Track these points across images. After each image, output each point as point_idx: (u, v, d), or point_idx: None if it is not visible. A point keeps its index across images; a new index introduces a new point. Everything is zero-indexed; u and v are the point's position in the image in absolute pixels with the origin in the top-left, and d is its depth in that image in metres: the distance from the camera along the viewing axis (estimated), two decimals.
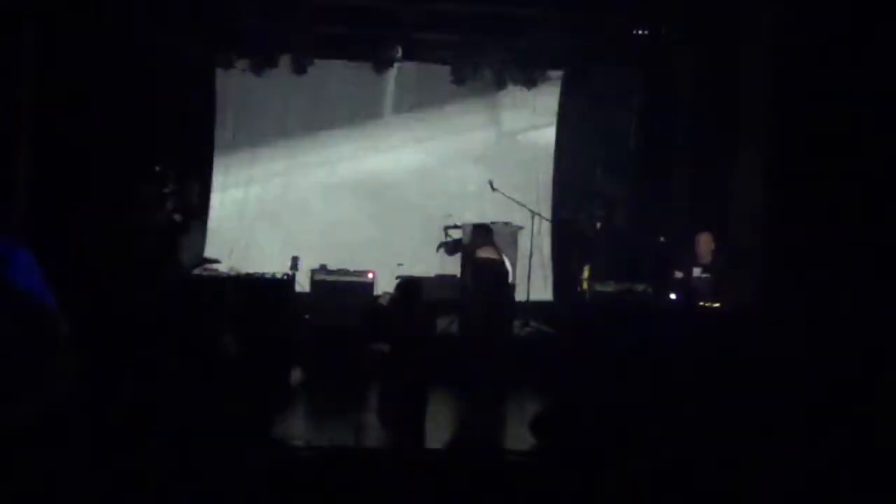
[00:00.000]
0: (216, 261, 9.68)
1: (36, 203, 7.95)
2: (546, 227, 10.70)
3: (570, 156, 11.09)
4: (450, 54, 10.55)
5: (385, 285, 9.20)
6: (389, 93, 10.75)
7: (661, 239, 9.36)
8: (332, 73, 10.64)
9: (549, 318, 9.85)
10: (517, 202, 10.05)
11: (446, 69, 10.66)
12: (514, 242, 9.77)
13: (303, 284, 9.50)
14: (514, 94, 10.94)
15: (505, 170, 10.63)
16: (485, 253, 8.69)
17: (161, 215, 9.17)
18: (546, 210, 10.84)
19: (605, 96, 10.49)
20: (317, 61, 10.44)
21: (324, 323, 9.16)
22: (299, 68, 10.40)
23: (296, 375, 8.52)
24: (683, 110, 9.83)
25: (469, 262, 9.17)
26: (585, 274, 9.46)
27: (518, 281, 9.67)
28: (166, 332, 6.97)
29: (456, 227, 9.90)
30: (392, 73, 10.61)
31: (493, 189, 9.89)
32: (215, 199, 10.68)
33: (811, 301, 6.93)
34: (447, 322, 9.22)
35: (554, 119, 11.19)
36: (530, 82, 10.84)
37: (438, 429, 6.62)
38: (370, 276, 9.51)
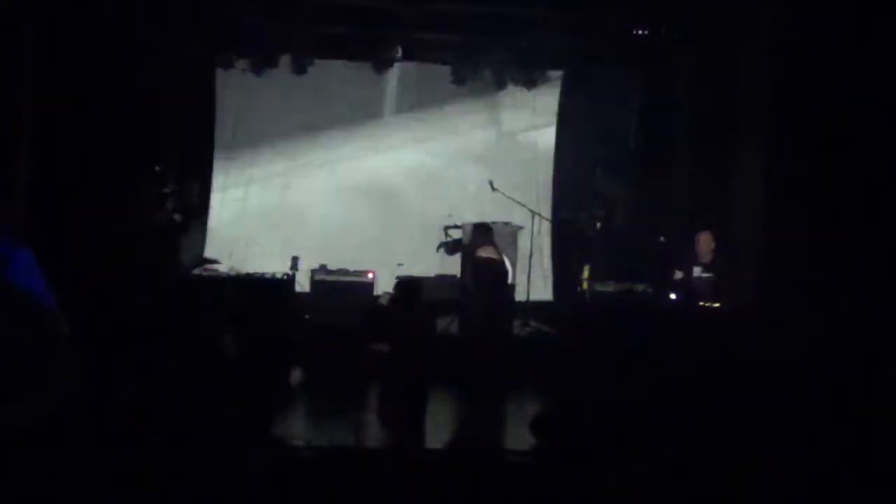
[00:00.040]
0: (215, 261, 9.69)
1: (36, 203, 7.95)
2: (546, 227, 10.69)
3: (570, 156, 11.09)
4: (450, 54, 10.55)
5: (385, 285, 9.20)
6: (389, 93, 10.74)
7: (661, 239, 9.36)
8: (332, 73, 10.64)
9: (549, 318, 9.85)
10: (517, 202, 10.05)
11: (446, 69, 10.66)
12: (514, 242, 9.77)
13: (303, 284, 9.50)
14: (514, 94, 10.94)
15: (505, 170, 10.63)
16: (485, 253, 8.69)
17: (161, 215, 9.18)
18: (546, 210, 10.84)
19: (605, 96, 10.48)
20: (317, 61, 10.44)
21: (324, 323, 9.16)
22: (299, 68, 10.40)
23: (296, 375, 8.52)
24: (683, 110, 9.83)
25: (469, 261, 9.17)
26: (585, 274, 9.46)
27: (518, 281, 9.67)
28: (166, 332, 6.97)
29: (456, 227, 9.90)
30: (392, 73, 10.60)
31: (493, 189, 9.89)
32: (215, 199, 10.68)
33: (811, 301, 6.93)
34: (447, 322, 9.22)
35: (554, 119, 11.19)
36: (530, 82, 10.84)
37: (438, 429, 6.62)
38: (370, 276, 9.51)
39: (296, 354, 8.68)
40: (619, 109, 10.58)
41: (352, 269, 9.63)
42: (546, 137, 11.21)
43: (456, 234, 9.88)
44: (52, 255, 4.74)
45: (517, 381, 8.19)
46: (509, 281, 9.19)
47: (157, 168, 9.23)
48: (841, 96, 7.00)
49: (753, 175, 8.25)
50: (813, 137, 7.32)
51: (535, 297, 10.08)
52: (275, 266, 9.32)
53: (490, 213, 9.73)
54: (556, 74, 11.00)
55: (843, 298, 6.67)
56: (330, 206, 10.79)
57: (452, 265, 9.88)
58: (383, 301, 8.95)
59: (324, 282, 9.51)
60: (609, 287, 8.81)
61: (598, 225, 10.08)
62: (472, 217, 9.65)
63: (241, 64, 10.41)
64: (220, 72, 10.55)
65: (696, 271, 8.09)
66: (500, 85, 10.79)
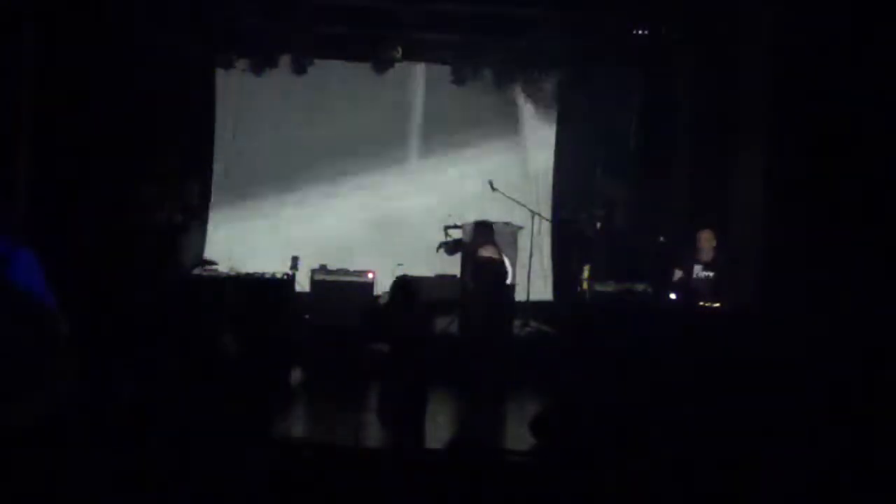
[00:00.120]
0: (214, 262, 9.69)
1: (36, 203, 7.95)
2: (546, 227, 10.69)
3: (570, 156, 11.09)
4: (450, 54, 10.55)
5: (385, 285, 9.18)
6: (389, 92, 10.73)
7: (661, 239, 9.35)
8: (332, 73, 10.63)
9: (549, 318, 9.85)
10: (517, 202, 10.04)
11: (446, 69, 10.66)
12: (514, 242, 9.77)
13: (303, 284, 9.50)
14: (514, 94, 10.94)
15: (505, 170, 10.63)
16: (486, 252, 8.69)
17: (161, 215, 9.17)
18: (546, 210, 10.84)
19: (605, 96, 10.48)
20: (317, 61, 10.44)
21: (324, 323, 9.16)
22: (299, 68, 10.40)
23: (296, 375, 8.52)
24: (683, 110, 9.83)
25: (469, 260, 9.16)
26: (585, 274, 9.45)
27: (518, 281, 9.67)
28: (166, 332, 6.97)
29: (456, 227, 9.89)
30: (392, 73, 10.60)
31: (493, 189, 9.89)
32: (215, 199, 10.67)
33: (811, 301, 6.93)
34: (447, 322, 9.22)
35: (554, 119, 11.20)
36: (530, 82, 10.84)
37: (438, 429, 6.62)
38: (370, 276, 9.52)
39: (296, 354, 8.68)
40: (619, 109, 10.58)
41: (352, 268, 9.63)
42: (546, 137, 11.21)
43: (456, 234, 9.88)
44: (52, 255, 4.74)
45: (517, 381, 8.19)
46: (509, 281, 9.19)
47: (157, 168, 9.25)
48: (841, 96, 7.00)
49: (753, 175, 8.25)
50: (813, 137, 7.32)
51: (535, 297, 10.08)
52: (275, 266, 9.32)
53: (490, 213, 9.72)
54: (556, 74, 11.00)
55: (843, 298, 6.67)
56: (330, 206, 10.78)
57: (452, 265, 9.88)
58: (383, 301, 8.95)
59: (324, 282, 9.51)
60: (609, 287, 8.81)
61: (598, 225, 10.07)
62: (472, 217, 9.65)
63: (241, 64, 10.41)
64: (220, 72, 10.54)
65: (697, 269, 8.10)
66: (500, 85, 10.79)
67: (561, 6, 9.52)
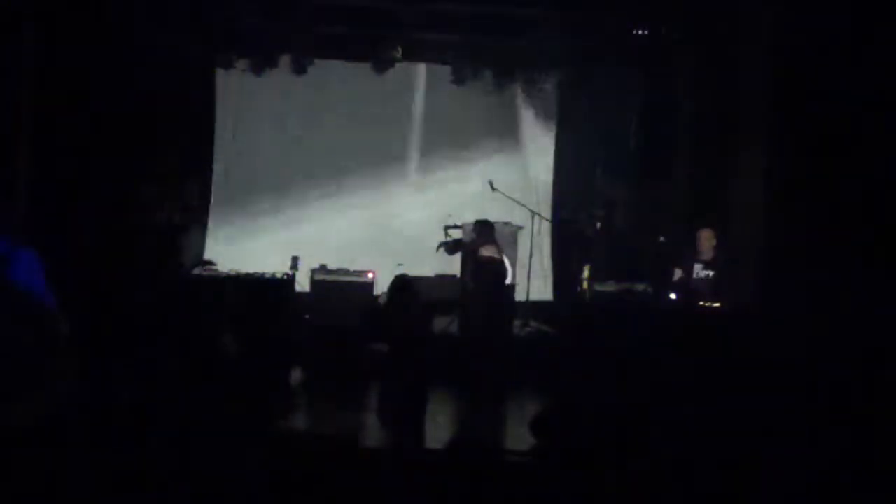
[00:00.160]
0: (213, 263, 9.69)
1: (36, 203, 7.95)
2: (546, 227, 10.69)
3: (570, 156, 11.10)
4: (450, 54, 10.55)
5: (385, 285, 9.18)
6: (389, 93, 10.73)
7: (661, 239, 9.35)
8: (332, 73, 10.63)
9: (549, 318, 9.86)
10: (517, 202, 10.05)
11: (446, 69, 10.66)
12: (514, 242, 9.77)
13: (303, 284, 9.50)
14: (514, 94, 10.94)
15: (505, 170, 10.63)
16: (486, 252, 8.69)
17: (161, 215, 9.17)
18: (546, 210, 10.84)
19: (605, 96, 10.48)
20: (317, 61, 10.43)
21: (324, 323, 9.17)
22: (299, 68, 10.40)
23: (296, 375, 8.52)
24: (683, 110, 9.83)
25: (470, 260, 9.16)
26: (585, 274, 9.45)
27: (518, 281, 9.67)
28: (166, 332, 6.97)
29: (456, 226, 9.90)
30: (392, 73, 10.60)
31: (493, 189, 9.89)
32: (215, 199, 10.67)
33: (811, 301, 6.93)
34: (447, 322, 9.22)
35: (554, 119, 11.20)
36: (530, 82, 10.84)
37: (438, 429, 6.62)
38: (370, 276, 9.52)
39: (296, 354, 8.68)
40: (619, 109, 10.58)
41: (352, 269, 9.63)
42: (546, 137, 11.21)
43: (456, 234, 9.88)
44: (52, 255, 4.74)
45: (517, 381, 8.19)
46: (509, 280, 9.19)
47: (157, 168, 9.25)
48: (841, 96, 7.00)
49: (753, 175, 8.25)
50: (813, 137, 7.32)
51: (535, 297, 10.08)
52: (275, 266, 9.32)
53: (490, 213, 9.73)
54: (556, 74, 11.00)
55: (843, 298, 6.67)
56: (330, 206, 10.78)
57: (452, 265, 9.88)
58: (383, 301, 8.95)
59: (324, 282, 9.51)
60: (609, 287, 8.81)
61: (598, 225, 10.07)
62: (472, 217, 9.66)
63: (241, 64, 10.40)
64: (220, 72, 10.54)
65: (697, 268, 8.10)
66: (500, 85, 10.78)
67: (561, 6, 9.52)
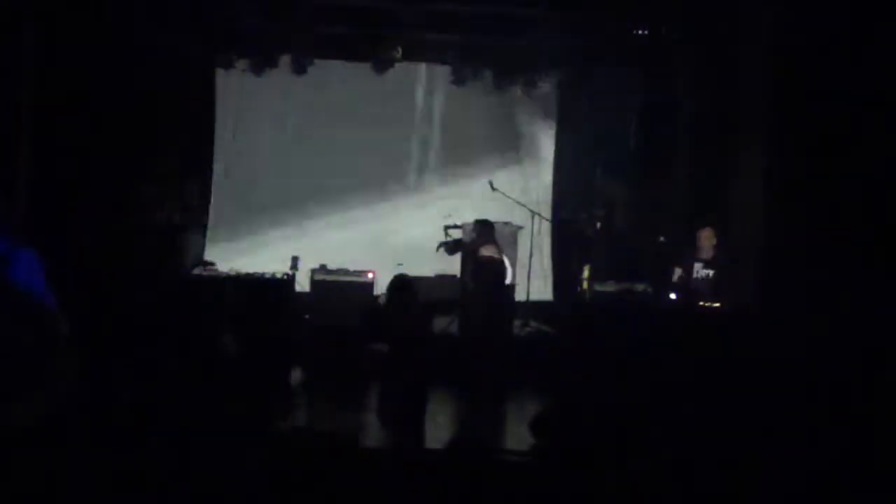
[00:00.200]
0: (213, 263, 9.69)
1: (36, 203, 7.95)
2: (546, 227, 10.70)
3: (570, 156, 11.10)
4: (450, 54, 10.55)
5: (385, 285, 9.19)
6: (389, 93, 10.73)
7: (661, 239, 9.35)
8: (332, 73, 10.63)
9: (549, 318, 9.85)
10: (517, 202, 10.05)
11: (446, 69, 10.66)
12: (514, 242, 9.77)
13: (303, 284, 9.50)
14: (514, 94, 10.95)
15: (505, 170, 10.63)
16: (486, 252, 8.70)
17: (161, 215, 9.17)
18: (546, 210, 10.84)
19: (605, 96, 10.48)
20: (317, 61, 10.43)
21: (324, 323, 9.16)
22: (299, 68, 10.39)
23: (296, 375, 8.52)
24: (683, 110, 9.83)
25: (470, 259, 9.16)
26: (585, 274, 9.45)
27: (518, 281, 9.67)
28: (166, 332, 6.97)
29: (456, 226, 9.90)
30: (392, 73, 10.60)
31: (493, 189, 9.89)
32: (215, 199, 10.67)
33: (811, 301, 6.93)
34: (447, 322, 9.22)
35: (554, 119, 11.20)
36: (530, 82, 10.85)
37: (438, 429, 6.62)
38: (370, 276, 9.52)
39: (296, 354, 8.68)
40: (619, 109, 10.58)
41: (352, 268, 9.63)
42: (546, 137, 11.22)
43: (456, 233, 9.88)
44: (52, 255, 4.74)
45: (517, 381, 8.19)
46: (508, 280, 9.19)
47: (157, 168, 9.24)
48: (841, 96, 7.00)
49: (753, 175, 8.25)
50: (813, 137, 7.32)
51: (535, 297, 10.08)
52: (275, 266, 9.32)
53: (490, 213, 9.73)
54: (556, 74, 11.00)
55: (843, 298, 6.67)
56: (330, 206, 10.78)
57: (452, 265, 9.88)
58: (383, 301, 8.95)
59: (324, 282, 9.51)
60: (609, 287, 8.81)
61: (598, 225, 10.07)
62: (471, 217, 9.66)
63: (241, 64, 10.40)
64: (220, 72, 10.54)
65: (698, 267, 8.10)
66: (499, 85, 10.79)
67: (561, 6, 9.52)
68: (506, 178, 10.30)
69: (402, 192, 10.94)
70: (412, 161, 11.02)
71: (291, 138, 10.74)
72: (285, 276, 9.10)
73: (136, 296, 7.99)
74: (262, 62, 10.34)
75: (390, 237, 10.63)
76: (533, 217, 10.03)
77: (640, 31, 9.91)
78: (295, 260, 9.64)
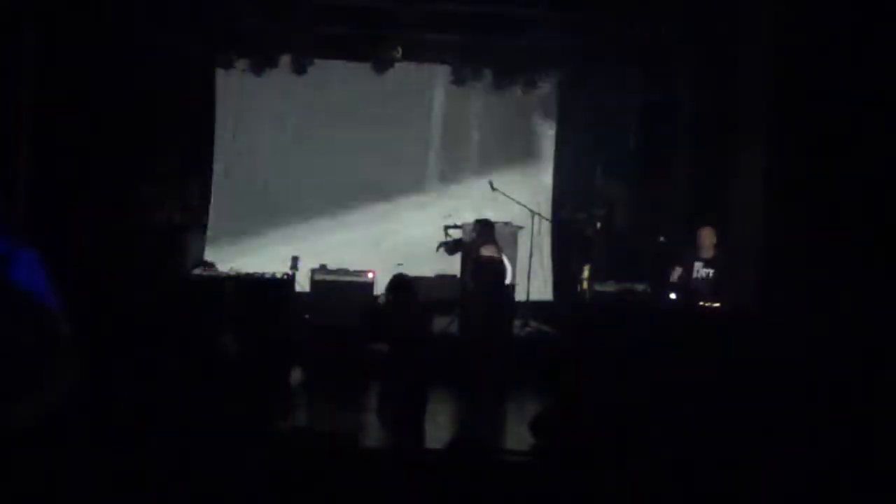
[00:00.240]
0: (213, 264, 9.68)
1: (36, 203, 7.95)
2: (546, 227, 10.69)
3: (570, 156, 11.10)
4: (450, 54, 10.55)
5: (385, 285, 9.19)
6: (389, 93, 10.73)
7: (661, 239, 9.35)
8: (332, 73, 10.63)
9: (549, 318, 9.85)
10: (517, 202, 10.05)
11: (446, 69, 10.66)
12: (514, 242, 9.77)
13: (303, 284, 9.50)
14: (513, 94, 10.95)
15: (505, 170, 10.63)
16: (486, 252, 8.69)
17: (161, 215, 9.17)
18: (546, 210, 10.84)
19: (605, 96, 10.48)
20: (317, 61, 10.43)
21: (324, 323, 9.16)
22: (299, 68, 10.40)
23: (296, 375, 8.52)
24: (683, 110, 9.82)
25: (470, 259, 9.16)
26: (585, 274, 9.45)
27: (518, 281, 9.67)
28: (166, 332, 6.97)
29: (456, 226, 9.90)
30: (392, 73, 10.60)
31: (493, 189, 9.89)
32: (215, 199, 10.67)
33: (811, 301, 6.93)
34: (447, 322, 9.22)
35: (554, 119, 11.20)
36: (530, 82, 10.85)
37: (438, 429, 6.62)
38: (370, 276, 9.51)
39: (296, 354, 8.67)
40: (619, 109, 10.58)
41: (352, 268, 9.63)
42: (546, 137, 11.22)
43: (456, 233, 9.88)
44: (52, 255, 4.74)
45: (517, 381, 8.18)
46: (508, 280, 9.18)
47: (157, 168, 9.24)
48: (841, 96, 7.00)
49: (753, 175, 8.25)
50: (813, 137, 7.31)
51: (535, 297, 10.09)
52: (275, 266, 9.32)
53: (490, 213, 9.74)
54: (556, 74, 11.01)
55: (843, 298, 6.67)
56: (330, 206, 10.79)
57: (452, 265, 9.88)
58: (383, 301, 8.95)
59: (324, 282, 9.51)
60: (609, 287, 8.81)
61: (598, 225, 10.07)
62: (471, 217, 9.66)
63: (241, 64, 10.40)
64: (220, 72, 10.54)
65: (698, 266, 8.10)
66: (500, 85, 10.79)
67: (561, 6, 9.52)
68: (506, 178, 10.29)
69: (402, 192, 10.94)
70: (412, 161, 11.01)
71: (291, 138, 10.75)
72: (285, 277, 9.10)
73: (136, 296, 7.99)
74: (262, 62, 10.34)
75: (390, 237, 10.64)
76: (533, 217, 10.03)
77: (640, 31, 9.90)
78: (295, 260, 9.64)
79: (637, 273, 8.98)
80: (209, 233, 10.54)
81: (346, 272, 9.59)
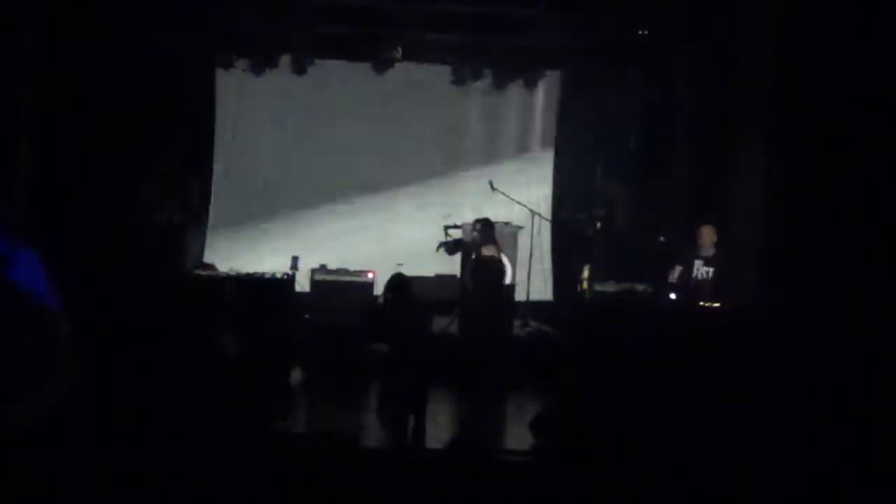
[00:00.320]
0: (213, 266, 9.68)
1: (36, 203, 7.94)
2: (546, 227, 10.70)
3: (570, 156, 11.10)
4: (450, 54, 10.55)
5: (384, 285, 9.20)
6: (389, 93, 10.73)
7: (661, 239, 9.35)
8: (332, 73, 10.64)
9: (549, 318, 9.85)
10: (517, 202, 10.05)
11: (446, 69, 10.66)
12: (514, 242, 9.77)
13: (303, 284, 9.50)
14: (514, 94, 10.95)
15: (505, 170, 10.63)
16: (486, 251, 8.69)
17: (161, 215, 9.16)
18: (546, 210, 10.84)
19: (605, 96, 10.48)
20: (317, 61, 10.44)
21: (324, 323, 9.16)
22: (299, 68, 10.40)
23: (296, 375, 8.52)
24: (683, 110, 9.82)
25: (470, 259, 9.16)
26: (585, 274, 9.46)
27: (518, 281, 9.67)
28: (166, 333, 6.97)
29: (456, 226, 9.89)
30: (392, 73, 10.60)
31: (493, 189, 9.89)
32: (215, 199, 10.67)
33: (811, 301, 6.93)
34: (447, 322, 9.22)
35: (554, 119, 11.20)
36: (530, 82, 10.86)
37: (438, 429, 6.62)
38: (370, 276, 9.51)
39: (296, 354, 8.67)
40: (619, 109, 10.58)
41: (352, 268, 9.63)
42: (546, 137, 11.22)
43: (456, 234, 9.87)
44: (52, 255, 4.74)
45: (517, 381, 8.18)
46: (507, 279, 9.18)
47: (157, 168, 9.23)
48: (841, 96, 7.00)
49: (753, 175, 8.24)
50: (813, 137, 7.31)
51: (535, 297, 10.09)
52: (275, 266, 9.32)
53: (490, 213, 9.73)
54: (556, 74, 11.01)
55: (843, 298, 6.67)
56: (330, 206, 10.79)
57: (452, 265, 9.88)
58: (382, 301, 8.95)
59: (324, 282, 9.51)
60: (609, 287, 8.81)
61: (598, 225, 10.07)
62: (471, 217, 9.66)
63: (241, 64, 10.41)
64: (220, 72, 10.54)
65: (698, 264, 8.10)
66: (500, 85, 10.79)
67: (561, 6, 9.52)
68: (506, 178, 10.29)
69: (402, 192, 10.94)
70: (412, 161, 11.01)
71: (291, 138, 10.75)
72: (285, 276, 9.10)
73: (136, 296, 7.99)
74: (262, 62, 10.35)
75: (390, 237, 10.63)
76: (533, 217, 10.03)
77: (640, 31, 9.91)
78: (295, 260, 9.64)
79: (637, 273, 8.98)
80: (209, 233, 10.54)
81: (346, 272, 9.59)
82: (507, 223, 9.81)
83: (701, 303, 7.78)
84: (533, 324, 9.75)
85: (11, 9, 7.78)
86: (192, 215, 9.91)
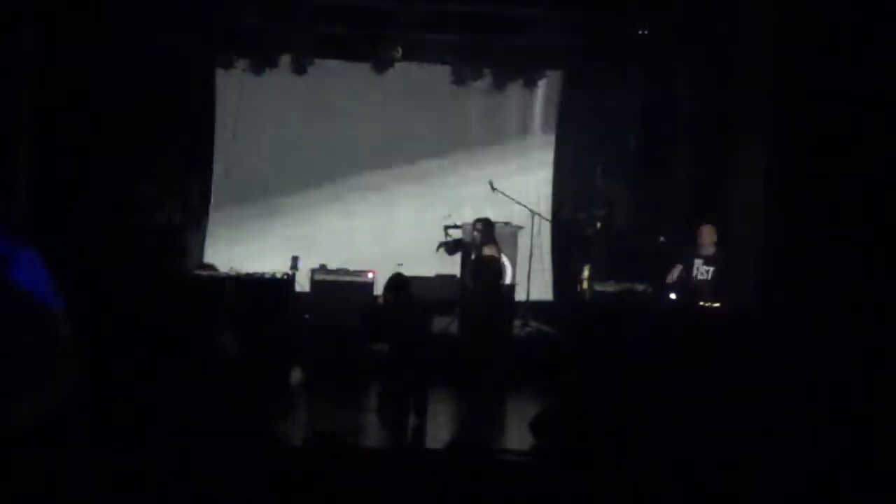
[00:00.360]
0: (213, 266, 9.68)
1: (36, 203, 7.94)
2: (546, 227, 10.70)
3: (570, 156, 11.10)
4: (450, 54, 10.55)
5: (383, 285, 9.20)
6: (389, 92, 10.73)
7: (661, 239, 9.35)
8: (332, 73, 10.64)
9: (549, 318, 9.85)
10: (517, 202, 10.05)
11: (446, 69, 10.66)
12: (514, 242, 9.77)
13: (303, 284, 9.50)
14: (514, 94, 10.95)
15: (505, 170, 10.63)
16: (486, 251, 8.70)
17: (161, 215, 9.16)
18: (546, 210, 10.84)
19: (605, 96, 10.48)
20: (317, 61, 10.44)
21: (324, 323, 9.16)
22: (299, 68, 10.40)
23: (296, 375, 8.52)
24: (683, 110, 9.82)
25: (470, 259, 9.16)
26: (585, 274, 9.46)
27: (518, 281, 9.67)
28: (166, 333, 6.97)
29: (456, 226, 9.89)
30: (392, 73, 10.59)
31: (493, 189, 9.89)
32: (215, 199, 10.67)
33: (811, 301, 6.93)
34: (447, 322, 9.22)
35: (554, 119, 11.20)
36: (530, 82, 10.86)
37: (438, 429, 6.62)
38: (370, 276, 9.51)
39: (296, 354, 8.67)
40: (619, 109, 10.57)
41: (352, 268, 9.63)
42: (546, 137, 11.22)
43: (456, 234, 9.88)
44: (52, 255, 4.74)
45: (517, 381, 8.18)
46: (507, 280, 9.18)
47: (157, 168, 9.23)
48: (841, 96, 7.00)
49: (753, 175, 8.24)
50: (813, 137, 7.31)
51: (535, 297, 10.08)
52: (275, 266, 9.32)
53: (490, 213, 9.73)
54: (556, 74, 11.00)
55: (843, 298, 6.67)
56: (330, 206, 10.79)
57: (452, 265, 9.88)
58: (382, 301, 8.95)
59: (324, 282, 9.51)
60: (609, 287, 8.81)
61: (598, 225, 10.07)
62: (471, 217, 9.66)
63: (241, 64, 10.41)
64: (220, 72, 10.54)
65: (698, 263, 8.10)
66: (500, 85, 10.79)
67: (561, 6, 9.52)
68: (506, 178, 10.29)
69: (402, 192, 10.94)
70: (412, 161, 11.00)
71: (291, 138, 10.74)
72: (285, 276, 9.10)
73: (136, 296, 7.99)
74: (262, 62, 10.35)
75: (390, 237, 10.63)
76: (533, 217, 10.03)
77: (640, 31, 9.91)
78: (295, 260, 9.64)
79: (637, 273, 8.98)
80: (209, 233, 10.54)
81: (345, 272, 9.59)
82: (507, 223, 9.81)
83: (701, 303, 7.78)
84: (533, 324, 9.75)
85: (11, 9, 7.78)
86: (192, 215, 9.91)
